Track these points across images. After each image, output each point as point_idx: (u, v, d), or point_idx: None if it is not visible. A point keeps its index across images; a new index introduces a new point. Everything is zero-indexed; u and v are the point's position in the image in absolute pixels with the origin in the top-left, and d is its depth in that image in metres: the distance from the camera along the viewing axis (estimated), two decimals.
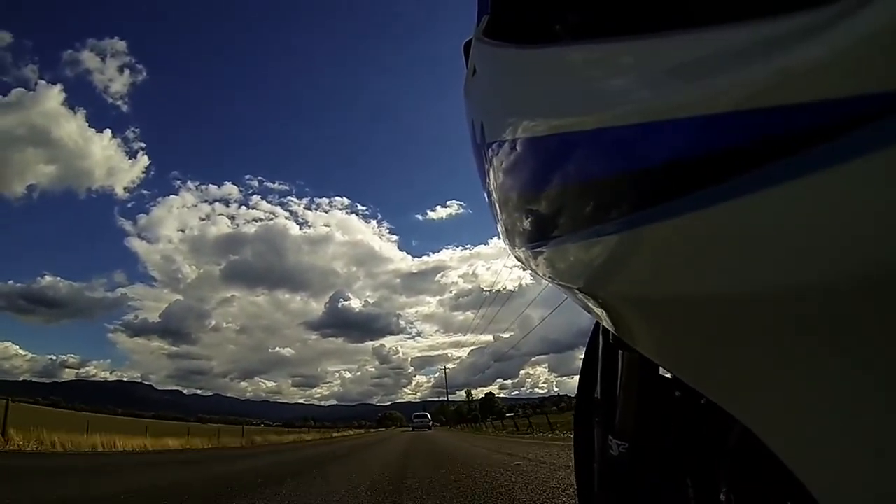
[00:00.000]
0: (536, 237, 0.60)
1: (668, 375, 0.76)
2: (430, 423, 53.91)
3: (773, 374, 0.33)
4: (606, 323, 0.57)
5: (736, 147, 0.30)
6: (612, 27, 0.46)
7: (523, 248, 0.66)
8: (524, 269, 0.73)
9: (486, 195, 0.80)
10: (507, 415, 67.56)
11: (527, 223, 0.62)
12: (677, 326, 0.41)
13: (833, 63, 0.25)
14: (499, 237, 0.78)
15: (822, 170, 0.25)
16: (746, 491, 0.58)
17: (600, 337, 0.92)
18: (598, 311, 0.55)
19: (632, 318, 0.49)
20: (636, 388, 0.78)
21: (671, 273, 0.38)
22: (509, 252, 0.76)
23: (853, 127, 0.24)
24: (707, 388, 0.42)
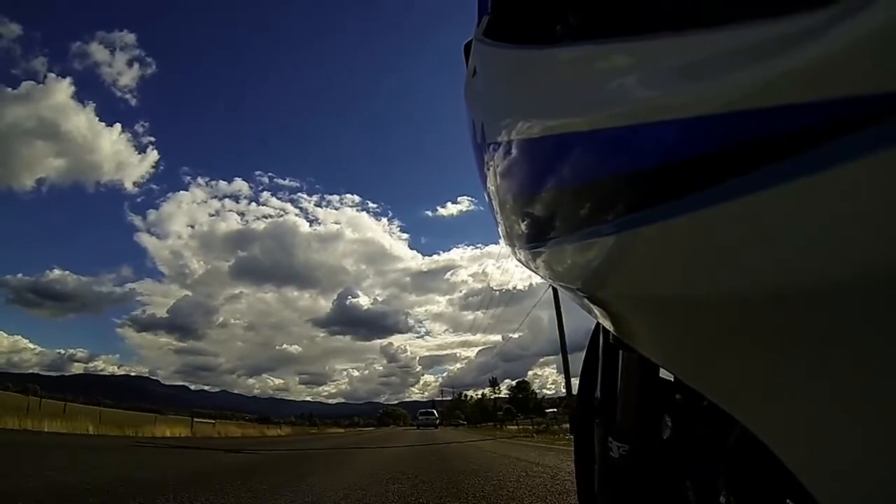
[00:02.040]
0: (537, 238, 0.60)
1: (668, 377, 0.76)
2: (437, 421, 46.87)
3: (773, 375, 0.33)
4: (606, 323, 0.57)
5: (734, 148, 0.30)
6: (611, 28, 0.46)
7: (524, 249, 0.66)
8: (527, 269, 0.73)
9: (486, 196, 0.80)
10: (549, 410, 53.40)
11: (527, 224, 0.62)
12: (677, 327, 0.42)
13: (833, 64, 0.25)
14: (500, 235, 0.78)
15: (822, 171, 0.25)
16: (746, 493, 0.58)
17: (601, 338, 0.92)
18: (598, 311, 0.55)
19: (631, 319, 0.49)
20: (636, 390, 0.78)
21: (670, 273, 0.38)
22: (510, 251, 0.76)
23: (853, 128, 0.24)
24: (707, 389, 0.42)
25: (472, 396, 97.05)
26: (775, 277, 0.30)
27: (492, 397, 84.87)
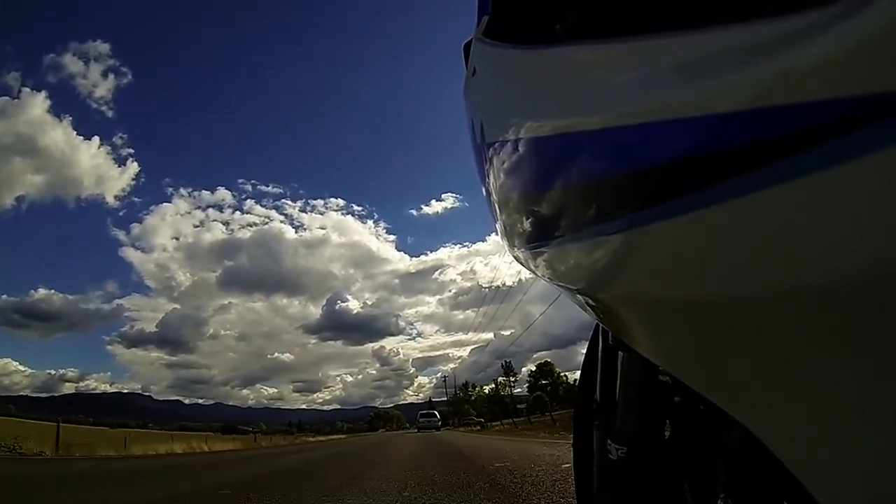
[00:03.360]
0: (535, 238, 0.60)
1: (667, 379, 0.76)
2: (439, 423, 43.41)
3: (773, 375, 0.33)
4: (606, 324, 0.57)
5: (734, 148, 0.30)
6: (612, 28, 0.46)
7: (522, 249, 0.66)
8: (524, 269, 0.73)
9: (485, 195, 0.80)
10: None
11: (526, 223, 0.62)
12: (676, 328, 0.41)
13: (834, 63, 0.25)
14: (497, 235, 0.78)
15: (823, 170, 0.25)
16: (745, 495, 0.57)
17: (600, 339, 0.92)
18: (598, 312, 0.55)
19: (630, 320, 0.49)
20: (635, 392, 0.77)
21: (670, 274, 0.38)
22: (508, 252, 0.76)
23: (853, 127, 0.24)
24: (707, 389, 0.41)
25: (479, 389, 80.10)
26: (774, 278, 0.29)
27: (507, 388, 69.46)
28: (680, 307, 0.38)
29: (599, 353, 0.91)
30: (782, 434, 0.34)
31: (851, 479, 0.30)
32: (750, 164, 0.29)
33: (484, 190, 0.80)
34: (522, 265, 0.72)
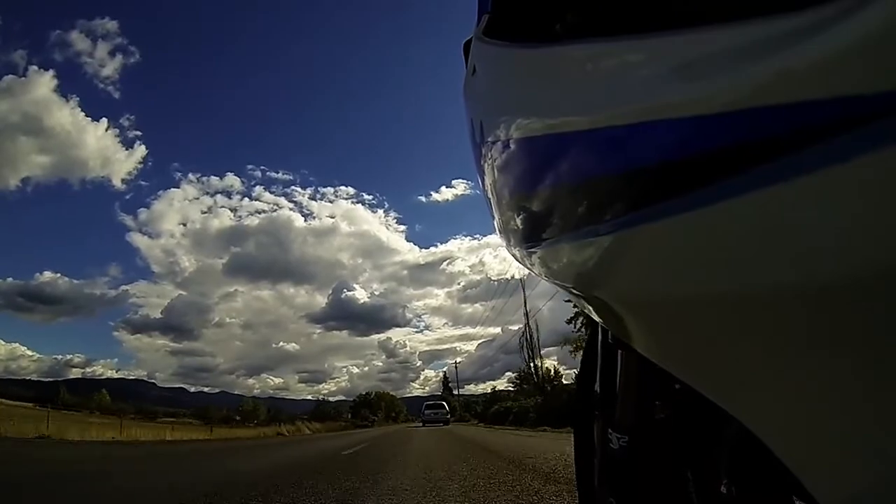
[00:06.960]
0: (533, 236, 0.61)
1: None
2: (448, 416, 39.06)
3: (769, 374, 0.33)
4: (603, 322, 0.58)
5: (731, 147, 0.30)
6: (611, 27, 0.46)
7: (520, 247, 0.66)
8: (523, 266, 0.74)
9: (484, 194, 0.81)
10: None
11: (523, 222, 0.62)
12: (672, 327, 0.42)
13: (832, 63, 0.25)
14: (497, 233, 0.79)
15: (820, 170, 0.25)
16: (746, 483, 0.59)
17: (599, 333, 0.93)
18: (595, 310, 0.56)
19: (627, 319, 0.49)
20: (635, 382, 0.78)
21: (667, 274, 0.38)
22: (507, 249, 0.76)
23: (851, 127, 0.24)
24: (704, 387, 0.42)
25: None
26: (770, 277, 0.30)
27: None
28: (676, 306, 0.39)
29: (598, 347, 0.92)
30: (779, 431, 0.34)
31: (848, 477, 0.30)
32: (747, 163, 0.29)
33: (483, 188, 0.80)
34: (520, 262, 0.72)
